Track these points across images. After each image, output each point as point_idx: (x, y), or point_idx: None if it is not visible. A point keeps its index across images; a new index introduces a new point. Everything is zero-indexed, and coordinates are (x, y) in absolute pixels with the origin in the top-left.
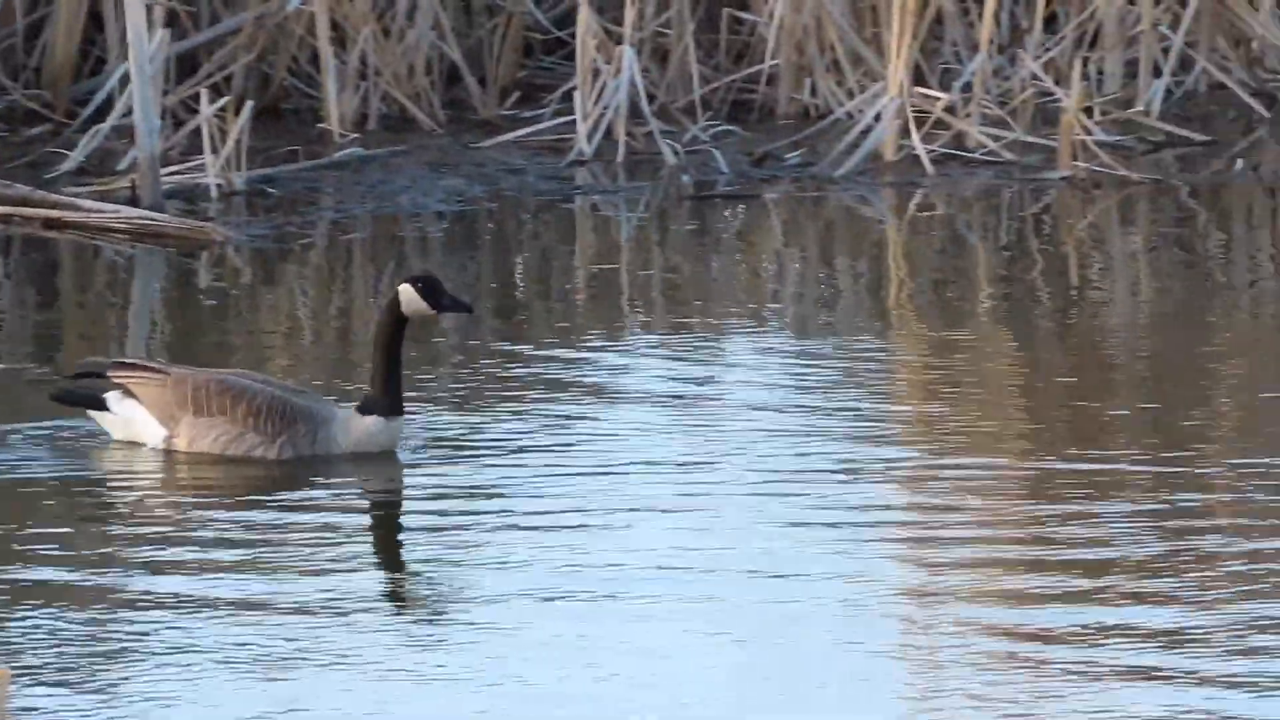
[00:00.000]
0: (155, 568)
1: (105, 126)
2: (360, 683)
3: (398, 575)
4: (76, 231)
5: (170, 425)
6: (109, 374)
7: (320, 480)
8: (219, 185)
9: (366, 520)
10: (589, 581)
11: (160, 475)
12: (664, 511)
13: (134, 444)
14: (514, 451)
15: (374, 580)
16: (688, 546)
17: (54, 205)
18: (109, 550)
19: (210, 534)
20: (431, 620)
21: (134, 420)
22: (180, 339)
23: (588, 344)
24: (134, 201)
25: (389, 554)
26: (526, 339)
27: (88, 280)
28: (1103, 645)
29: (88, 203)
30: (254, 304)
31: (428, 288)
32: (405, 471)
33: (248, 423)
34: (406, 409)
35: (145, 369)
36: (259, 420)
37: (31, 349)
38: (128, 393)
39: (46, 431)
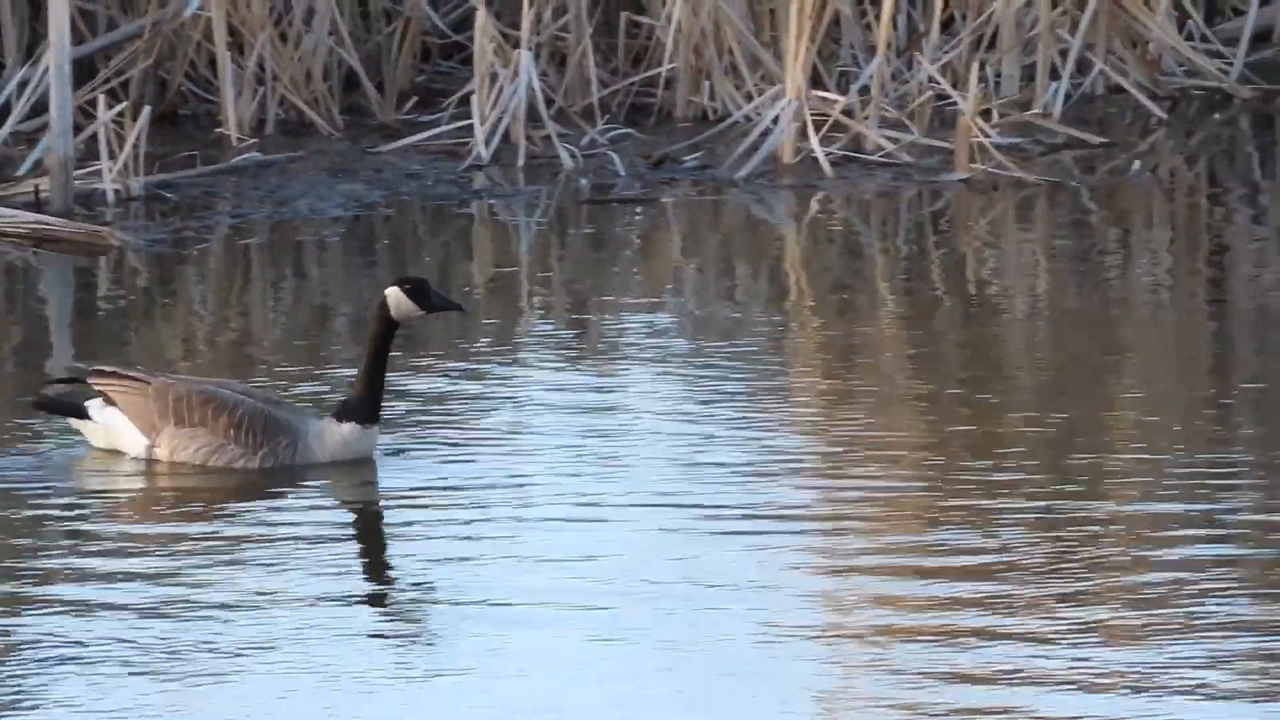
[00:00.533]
0: (106, 576)
1: (3, 131)
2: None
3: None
4: None
5: (151, 435)
6: (90, 380)
7: (286, 490)
8: (116, 190)
9: (322, 529)
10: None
11: (137, 484)
12: (566, 520)
13: (110, 450)
14: (412, 460)
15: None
16: (591, 554)
17: None
18: (62, 559)
19: (174, 543)
20: (378, 619)
21: (115, 429)
22: (81, 342)
23: (481, 351)
24: (36, 206)
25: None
26: (420, 346)
27: (23, 281)
28: (1002, 646)
29: None
30: (151, 309)
31: (416, 289)
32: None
33: (229, 434)
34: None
35: (126, 377)
36: (240, 432)
37: None
38: (109, 400)
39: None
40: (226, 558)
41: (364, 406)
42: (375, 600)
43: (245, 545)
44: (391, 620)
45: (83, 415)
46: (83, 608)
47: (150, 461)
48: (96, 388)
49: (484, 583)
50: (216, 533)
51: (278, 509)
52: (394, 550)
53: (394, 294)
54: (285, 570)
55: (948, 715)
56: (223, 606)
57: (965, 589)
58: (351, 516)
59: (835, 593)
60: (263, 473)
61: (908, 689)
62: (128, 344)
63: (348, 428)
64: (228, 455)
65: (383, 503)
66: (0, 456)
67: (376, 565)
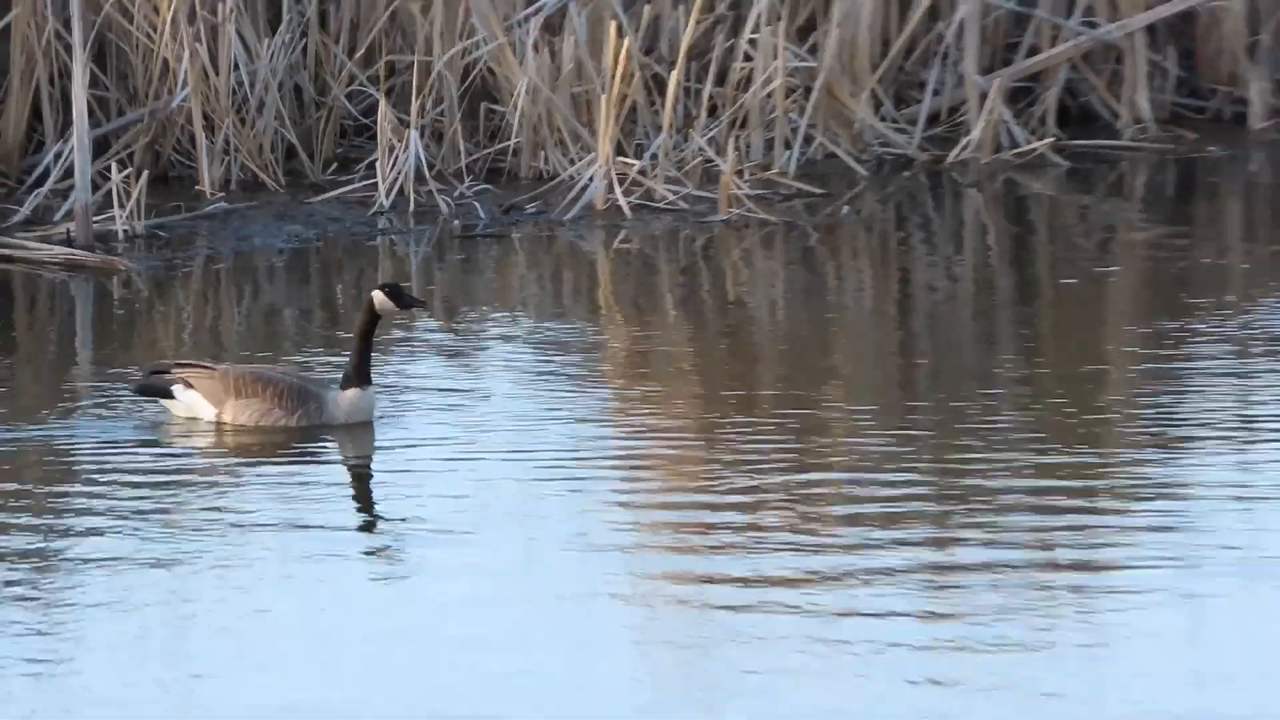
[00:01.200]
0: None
1: (45, 189)
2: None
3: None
4: (25, 265)
5: (219, 406)
6: (174, 371)
7: (311, 442)
8: (125, 230)
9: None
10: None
11: (209, 439)
12: (450, 462)
13: (187, 417)
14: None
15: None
16: (465, 493)
17: (6, 246)
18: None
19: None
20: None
21: (193, 404)
22: (102, 338)
23: (381, 342)
24: (67, 243)
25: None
26: (334, 344)
27: (37, 298)
28: (763, 556)
29: (32, 244)
30: (151, 315)
31: (393, 291)
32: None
33: (274, 402)
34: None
35: (199, 367)
36: (282, 400)
37: (31, 345)
38: (188, 384)
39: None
40: (256, 488)
41: (359, 374)
42: (343, 525)
43: (267, 476)
44: (350, 533)
45: (170, 396)
46: (150, 516)
47: (218, 425)
48: (178, 376)
49: (403, 514)
50: (253, 468)
51: (306, 455)
52: (361, 486)
53: (378, 295)
54: (295, 498)
55: (732, 605)
56: (235, 526)
57: (731, 515)
58: (342, 465)
59: (640, 522)
60: (299, 429)
61: (695, 585)
62: (135, 340)
63: (352, 392)
64: (273, 417)
65: (361, 457)
66: (90, 421)
67: (351, 498)
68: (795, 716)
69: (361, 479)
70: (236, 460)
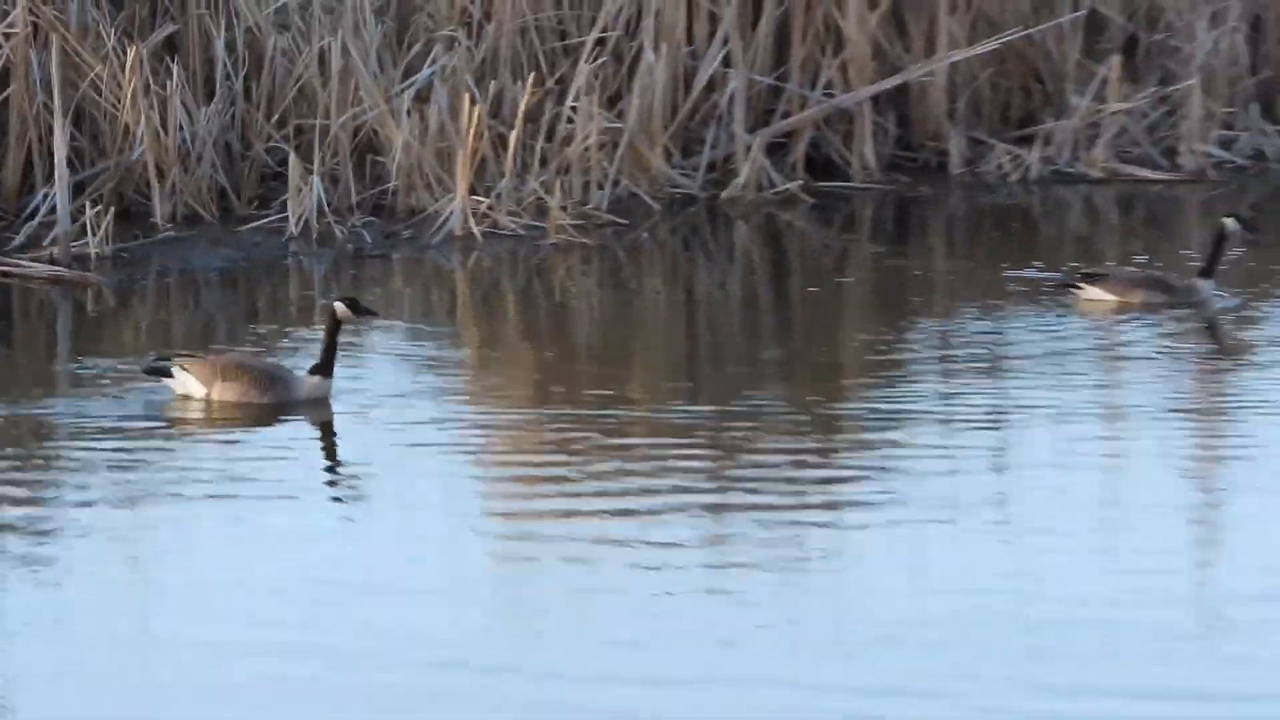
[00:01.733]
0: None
1: (35, 221)
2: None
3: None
4: (19, 280)
5: (208, 386)
6: (174, 359)
7: (279, 416)
8: (96, 253)
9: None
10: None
11: (199, 410)
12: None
13: (184, 396)
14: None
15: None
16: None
17: (5, 265)
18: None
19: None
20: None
21: (187, 383)
22: (81, 335)
23: (294, 341)
24: (52, 263)
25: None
26: (256, 337)
27: (30, 304)
28: (582, 507)
29: (25, 263)
30: (117, 318)
31: (352, 303)
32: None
33: (251, 384)
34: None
35: (193, 357)
36: (257, 382)
37: (25, 340)
38: (183, 369)
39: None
40: (227, 446)
41: (324, 368)
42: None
43: (238, 439)
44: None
45: (170, 375)
46: (146, 460)
47: (207, 401)
48: (178, 363)
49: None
50: (229, 432)
51: (273, 425)
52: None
53: (339, 306)
54: (252, 457)
55: (558, 537)
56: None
57: (559, 470)
58: (308, 430)
59: (490, 476)
60: (268, 403)
61: (530, 521)
62: (104, 335)
63: (316, 379)
64: (250, 395)
65: (316, 425)
66: (70, 397)
67: (315, 458)
68: (607, 619)
69: (295, 449)
70: (206, 428)
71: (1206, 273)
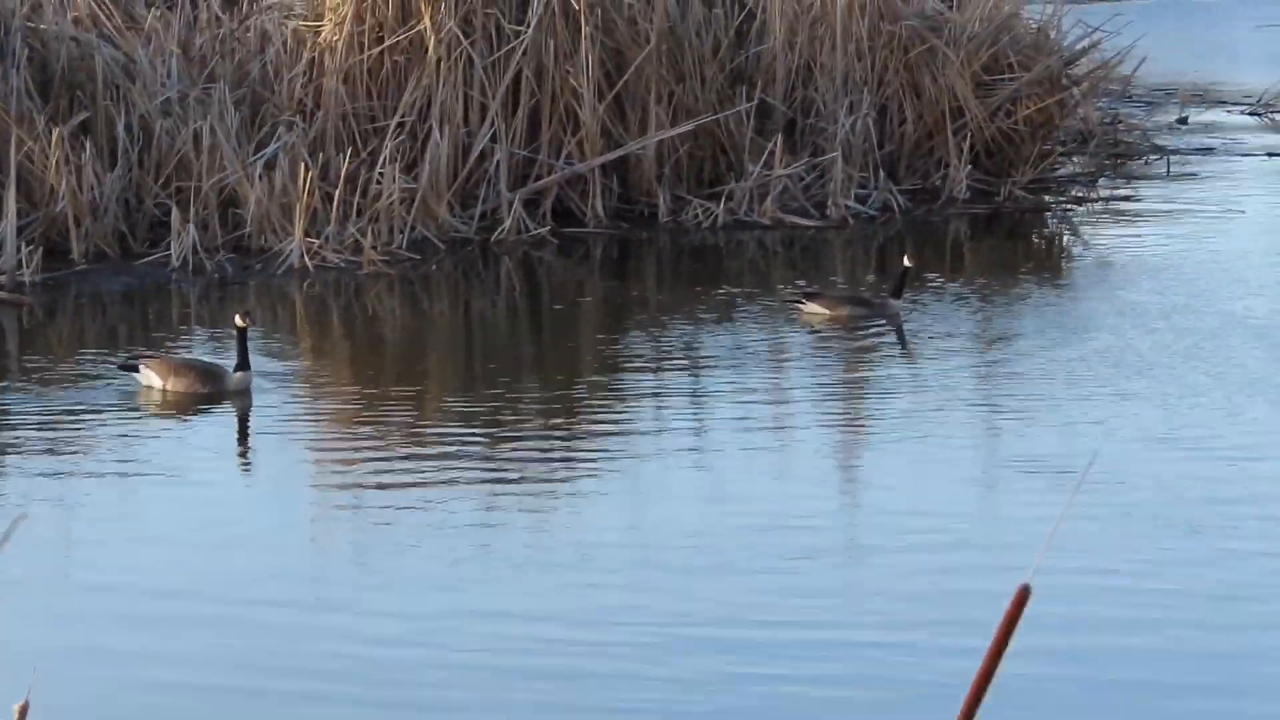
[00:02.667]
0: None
1: None
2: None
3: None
4: None
5: (163, 379)
6: (140, 359)
7: (214, 405)
8: (30, 280)
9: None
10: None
11: (155, 397)
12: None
13: (147, 387)
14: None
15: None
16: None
17: None
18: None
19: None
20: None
21: (149, 377)
22: (22, 340)
23: (189, 342)
24: (0, 287)
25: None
26: (149, 342)
27: None
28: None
29: None
30: (46, 329)
31: (246, 314)
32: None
33: (195, 379)
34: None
35: (154, 358)
36: (198, 376)
37: None
38: (147, 366)
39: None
40: (179, 422)
41: (242, 362)
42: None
43: (177, 417)
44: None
45: (137, 371)
46: (117, 435)
47: (161, 390)
48: (143, 362)
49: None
50: (169, 410)
51: (209, 410)
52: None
53: (239, 317)
54: (195, 430)
55: (390, 506)
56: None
57: (381, 446)
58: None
59: (326, 459)
60: (209, 394)
61: (362, 491)
62: (37, 340)
63: (240, 374)
64: (194, 387)
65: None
66: (79, 389)
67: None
68: (426, 561)
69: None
70: (153, 412)
71: (896, 294)
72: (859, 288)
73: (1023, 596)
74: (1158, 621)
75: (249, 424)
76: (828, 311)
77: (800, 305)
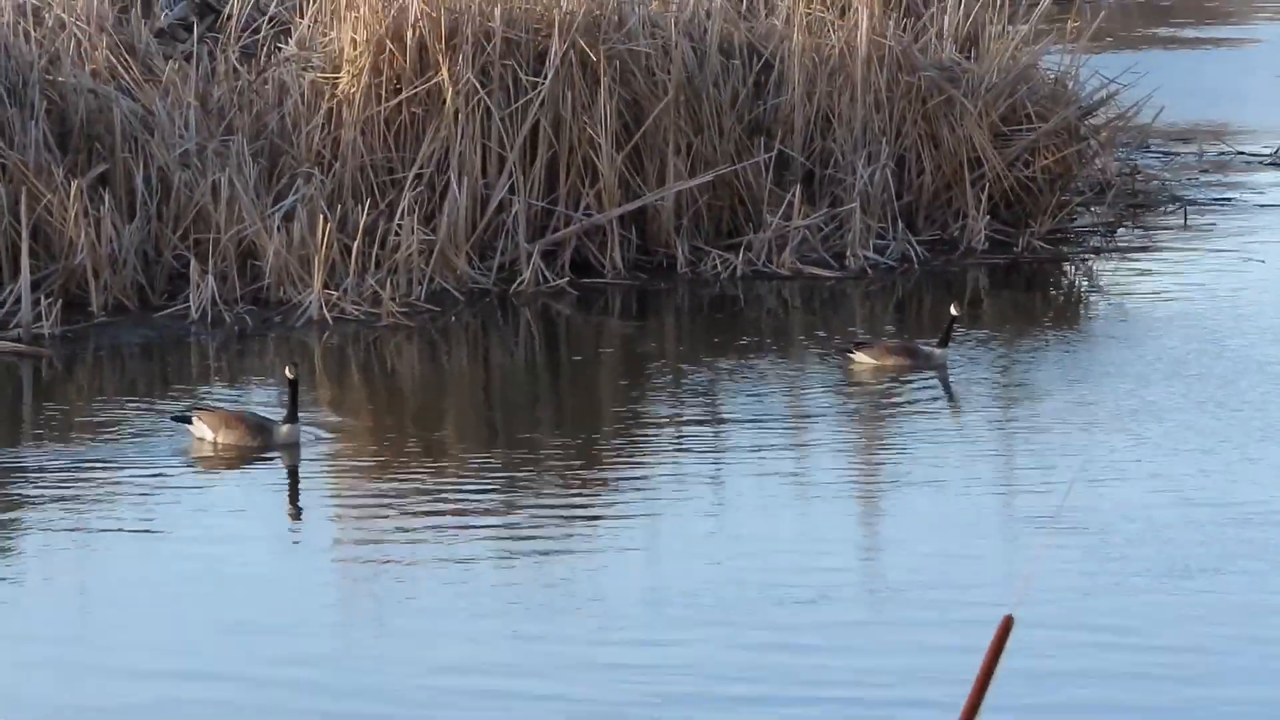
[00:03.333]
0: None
1: (3, 310)
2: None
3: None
4: None
5: (216, 432)
6: (194, 412)
7: (265, 456)
8: (49, 333)
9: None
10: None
11: (200, 451)
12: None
13: (199, 439)
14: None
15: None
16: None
17: None
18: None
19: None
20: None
21: (201, 429)
22: (41, 390)
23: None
24: (17, 340)
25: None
26: (164, 393)
27: (10, 373)
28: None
29: None
30: (67, 380)
31: (295, 368)
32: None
33: (244, 431)
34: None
35: (206, 410)
36: (249, 430)
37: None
38: (199, 419)
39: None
40: (223, 473)
41: (291, 415)
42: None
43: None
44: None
45: (190, 423)
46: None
47: (213, 442)
48: (196, 414)
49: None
50: (222, 462)
51: (255, 462)
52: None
53: (289, 370)
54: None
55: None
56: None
57: (395, 485)
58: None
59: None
60: (258, 447)
61: (372, 521)
62: (56, 391)
63: (288, 426)
64: (244, 439)
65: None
66: (38, 434)
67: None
68: (445, 617)
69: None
70: (206, 467)
71: (943, 343)
72: (907, 337)
73: (1007, 626)
74: (1156, 677)
75: (273, 478)
76: (875, 361)
77: (850, 354)
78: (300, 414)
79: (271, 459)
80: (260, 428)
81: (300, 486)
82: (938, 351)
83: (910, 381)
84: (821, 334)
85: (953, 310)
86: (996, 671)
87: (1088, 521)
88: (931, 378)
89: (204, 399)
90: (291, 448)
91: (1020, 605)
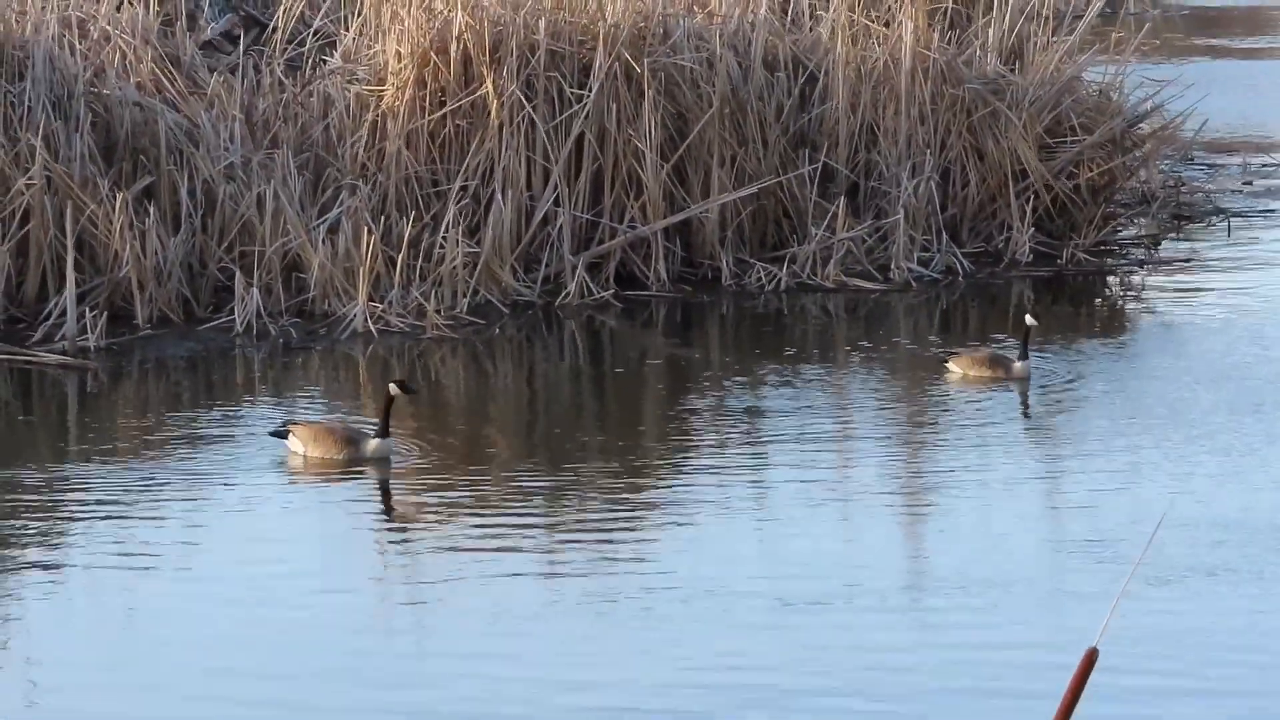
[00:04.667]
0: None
1: (49, 321)
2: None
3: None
4: (38, 365)
5: (307, 446)
6: (289, 426)
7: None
8: (95, 345)
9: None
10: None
11: (291, 463)
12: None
13: (293, 453)
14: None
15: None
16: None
17: (29, 354)
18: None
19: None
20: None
21: (294, 442)
22: (87, 404)
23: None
24: (62, 353)
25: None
26: (210, 405)
27: (46, 383)
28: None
29: (42, 353)
30: (114, 391)
31: (401, 384)
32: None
33: (335, 442)
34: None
35: (300, 424)
36: (340, 442)
37: (72, 408)
38: (293, 433)
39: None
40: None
41: (383, 429)
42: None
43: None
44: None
45: (286, 437)
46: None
47: (305, 456)
48: (291, 427)
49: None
50: (313, 470)
51: (344, 473)
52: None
53: (393, 386)
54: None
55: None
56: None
57: (444, 499)
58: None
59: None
60: (347, 460)
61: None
62: (101, 404)
63: (378, 441)
64: (335, 451)
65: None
66: (228, 449)
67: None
68: (489, 636)
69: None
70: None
71: (1023, 355)
72: (995, 347)
73: (1090, 660)
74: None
75: (319, 493)
76: (964, 371)
77: (946, 364)
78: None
79: (360, 473)
80: (349, 441)
81: (345, 499)
82: (1018, 364)
83: (988, 395)
84: (865, 344)
85: (1028, 321)
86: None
87: (1134, 535)
88: (1011, 389)
89: (300, 413)
90: (381, 462)
91: (1103, 639)
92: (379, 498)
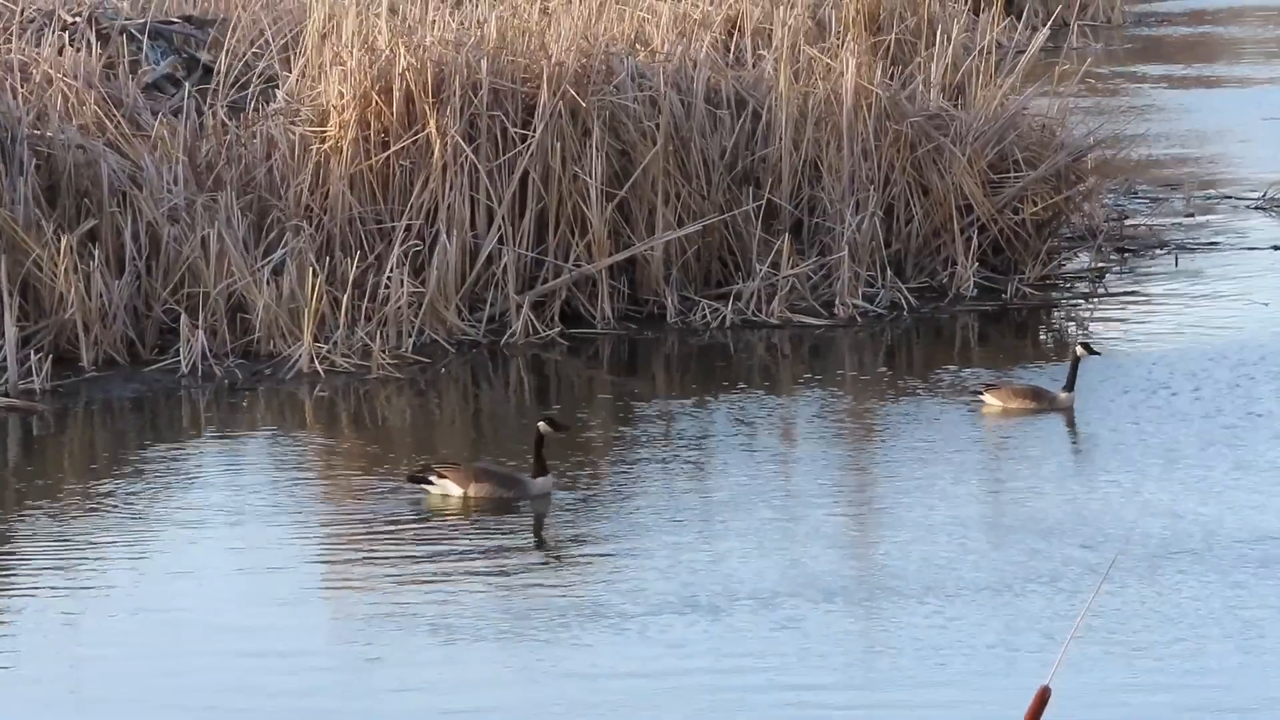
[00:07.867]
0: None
1: None
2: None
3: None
4: None
5: (465, 487)
6: (435, 467)
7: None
8: (40, 388)
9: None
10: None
11: (456, 503)
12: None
13: (444, 495)
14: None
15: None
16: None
17: None
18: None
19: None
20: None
21: (447, 488)
22: (33, 445)
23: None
24: (6, 395)
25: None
26: (153, 452)
27: (1, 428)
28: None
29: None
30: (60, 432)
31: (550, 421)
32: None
33: (496, 484)
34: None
35: (447, 465)
36: (500, 482)
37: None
38: (440, 475)
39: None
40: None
41: (541, 469)
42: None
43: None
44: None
45: (429, 483)
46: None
47: (464, 498)
48: (436, 471)
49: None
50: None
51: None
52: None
53: (543, 425)
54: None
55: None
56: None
57: (398, 526)
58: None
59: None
60: (512, 497)
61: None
62: (48, 445)
63: (540, 479)
64: (495, 492)
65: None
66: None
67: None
68: (454, 664)
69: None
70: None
71: (1069, 386)
72: (1031, 381)
73: (1043, 698)
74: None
75: (264, 534)
76: (1003, 404)
77: (981, 397)
78: (289, 471)
79: (317, 514)
80: (512, 480)
81: (293, 540)
82: (1063, 395)
83: (1032, 424)
84: (874, 373)
85: (1078, 352)
86: None
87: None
88: (1054, 419)
89: (443, 459)
90: (543, 498)
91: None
92: (336, 541)
